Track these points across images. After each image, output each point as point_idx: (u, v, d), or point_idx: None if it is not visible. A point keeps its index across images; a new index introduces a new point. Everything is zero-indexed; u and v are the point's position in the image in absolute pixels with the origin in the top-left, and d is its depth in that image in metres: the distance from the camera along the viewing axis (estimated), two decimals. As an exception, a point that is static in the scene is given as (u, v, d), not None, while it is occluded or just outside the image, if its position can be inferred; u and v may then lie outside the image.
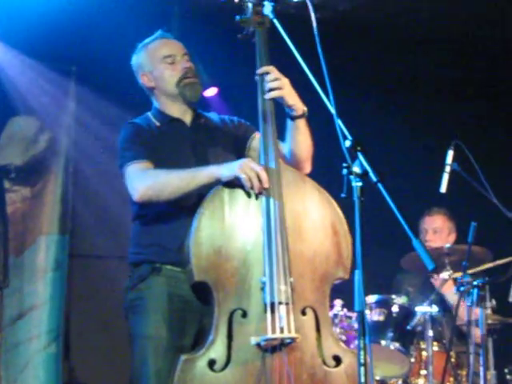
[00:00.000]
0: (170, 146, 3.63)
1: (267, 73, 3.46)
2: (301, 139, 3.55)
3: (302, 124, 3.52)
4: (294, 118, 3.50)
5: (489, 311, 4.55)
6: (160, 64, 3.72)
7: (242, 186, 3.33)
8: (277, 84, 3.44)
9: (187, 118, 3.74)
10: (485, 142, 6.29)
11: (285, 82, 3.46)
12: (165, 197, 3.43)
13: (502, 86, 6.63)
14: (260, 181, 3.29)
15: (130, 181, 3.49)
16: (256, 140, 3.70)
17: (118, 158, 3.59)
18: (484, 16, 6.39)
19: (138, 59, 3.80)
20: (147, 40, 3.82)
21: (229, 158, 3.61)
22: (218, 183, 3.36)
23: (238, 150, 3.73)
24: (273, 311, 3.20)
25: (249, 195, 3.34)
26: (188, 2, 6.29)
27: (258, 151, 3.59)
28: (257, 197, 3.34)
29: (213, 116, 3.85)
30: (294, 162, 3.56)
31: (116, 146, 3.66)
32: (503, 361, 5.06)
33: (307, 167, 3.61)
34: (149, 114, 3.76)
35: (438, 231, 5.81)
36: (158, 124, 3.70)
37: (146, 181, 3.45)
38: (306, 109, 3.52)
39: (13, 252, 6.14)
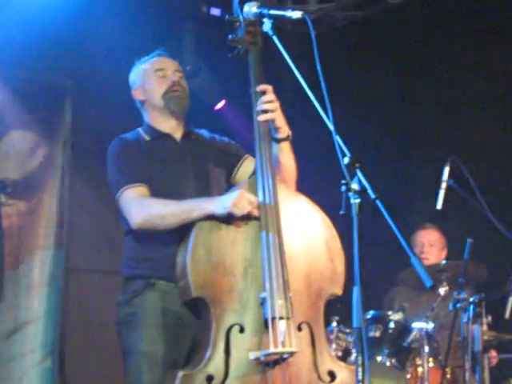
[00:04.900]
0: (158, 161, 3.64)
1: (263, 92, 3.49)
2: (285, 161, 3.59)
3: (286, 146, 3.58)
4: (279, 141, 3.55)
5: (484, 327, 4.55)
6: (151, 77, 3.77)
7: None
8: (271, 106, 3.48)
9: (177, 133, 3.75)
10: (480, 159, 6.30)
11: (277, 105, 3.51)
12: (160, 229, 3.46)
13: (499, 101, 6.66)
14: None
15: (126, 209, 3.51)
16: (247, 162, 3.75)
17: (110, 181, 3.62)
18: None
19: (132, 76, 3.87)
20: (143, 59, 3.86)
21: (219, 175, 3.69)
22: None
23: (229, 167, 3.76)
24: (273, 326, 3.20)
25: None
26: (199, 16, 6.31)
27: (248, 172, 3.68)
28: None
29: (204, 133, 3.87)
30: None
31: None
32: (499, 377, 5.07)
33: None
34: (139, 129, 3.78)
35: (433, 244, 5.90)
36: (147, 138, 3.71)
37: (141, 212, 3.46)
38: (290, 132, 3.57)
39: (8, 266, 6.11)
